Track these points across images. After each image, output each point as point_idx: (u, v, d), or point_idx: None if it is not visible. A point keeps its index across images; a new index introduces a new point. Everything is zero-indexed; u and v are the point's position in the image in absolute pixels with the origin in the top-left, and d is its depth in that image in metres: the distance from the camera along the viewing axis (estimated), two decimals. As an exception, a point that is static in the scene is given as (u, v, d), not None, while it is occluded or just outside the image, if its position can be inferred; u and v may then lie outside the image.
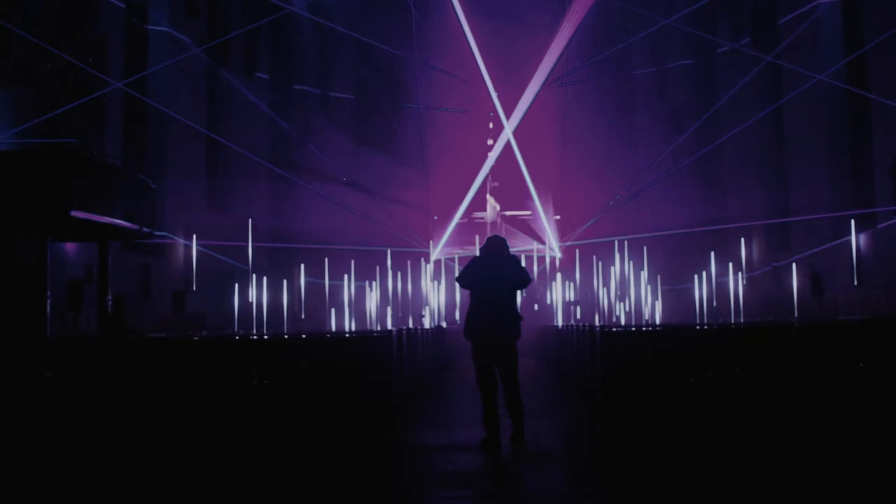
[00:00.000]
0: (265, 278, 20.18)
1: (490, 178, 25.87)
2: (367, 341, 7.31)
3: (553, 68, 23.78)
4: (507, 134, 24.85)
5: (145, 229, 15.28)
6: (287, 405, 6.24)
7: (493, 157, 25.66)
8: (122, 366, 7.06)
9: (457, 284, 7.27)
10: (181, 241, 19.77)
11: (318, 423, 6.17)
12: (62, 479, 5.35)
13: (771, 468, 5.18)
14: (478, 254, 7.01)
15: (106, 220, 13.84)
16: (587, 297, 24.39)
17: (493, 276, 6.77)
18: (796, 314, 18.99)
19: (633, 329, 8.90)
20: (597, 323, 18.71)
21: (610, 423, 7.16)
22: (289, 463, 5.86)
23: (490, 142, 25.91)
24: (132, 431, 5.95)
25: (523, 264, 7.19)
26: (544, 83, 24.01)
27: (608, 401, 7.31)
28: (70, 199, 12.34)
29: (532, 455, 6.37)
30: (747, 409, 5.50)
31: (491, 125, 26.07)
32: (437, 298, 24.59)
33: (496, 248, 6.90)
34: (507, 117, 24.87)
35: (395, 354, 7.46)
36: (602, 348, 7.54)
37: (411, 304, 24.81)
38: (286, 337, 8.09)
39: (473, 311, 6.83)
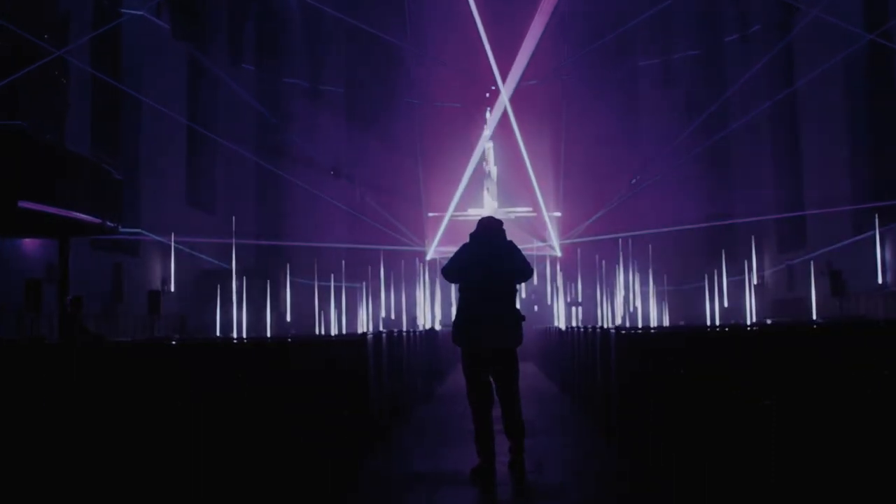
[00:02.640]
0: (244, 279, 18.96)
1: (485, 166, 24.67)
2: (335, 348, 6.09)
3: (543, 33, 22.54)
4: (504, 101, 23.54)
5: (109, 224, 14.06)
6: (236, 422, 5.02)
7: (489, 131, 24.39)
8: (77, 373, 5.95)
9: (451, 281, 5.90)
10: (157, 238, 18.53)
11: (270, 448, 4.95)
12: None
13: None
14: (469, 240, 5.69)
15: (63, 212, 12.63)
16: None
17: (488, 266, 5.49)
18: (814, 315, 17.84)
19: (658, 332, 7.66)
20: (607, 325, 17.53)
21: (630, 445, 5.96)
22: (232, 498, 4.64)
23: (487, 132, 24.67)
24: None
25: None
26: (536, 48, 22.77)
27: (627, 418, 6.12)
28: (18, 187, 11.18)
29: (535, 489, 5.14)
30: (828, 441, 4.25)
31: (489, 114, 24.86)
32: (433, 299, 23.45)
33: (491, 233, 5.63)
34: (503, 80, 23.63)
35: (371, 363, 6.23)
36: (618, 356, 6.34)
37: (405, 305, 23.66)
38: (244, 341, 6.90)
39: (464, 311, 5.55)
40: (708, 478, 4.53)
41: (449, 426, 7.86)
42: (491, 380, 5.62)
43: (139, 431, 4.90)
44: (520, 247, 5.83)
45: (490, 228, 5.64)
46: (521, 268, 5.59)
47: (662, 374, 5.92)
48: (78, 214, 12.46)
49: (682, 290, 22.85)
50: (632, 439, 5.92)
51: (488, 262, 5.51)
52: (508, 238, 5.77)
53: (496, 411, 5.57)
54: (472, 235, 5.68)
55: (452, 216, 24.58)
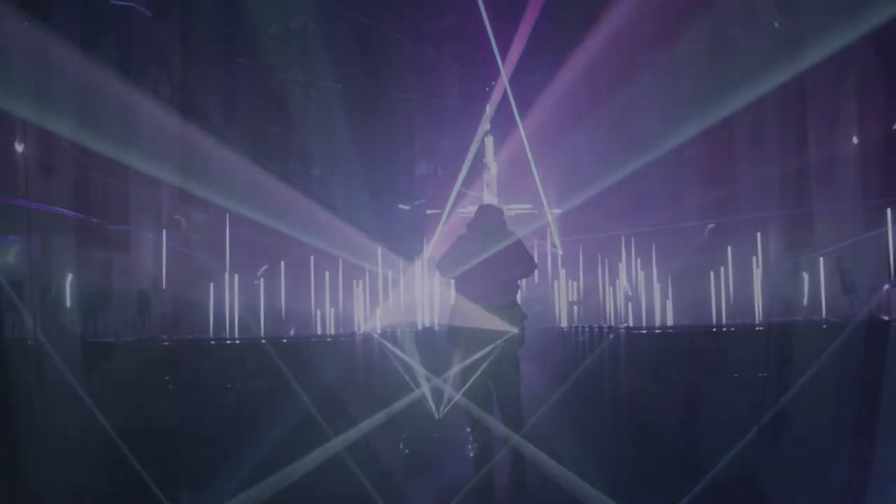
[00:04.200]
0: (236, 276, 18.50)
1: (484, 161, 24.29)
2: (318, 348, 5.63)
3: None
4: (507, 95, 23.06)
5: (94, 220, 13.60)
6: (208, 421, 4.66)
7: (488, 125, 23.94)
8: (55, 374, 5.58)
9: (446, 275, 5.36)
10: (148, 234, 18.07)
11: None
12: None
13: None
14: (466, 231, 5.18)
15: (43, 207, 12.20)
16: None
17: (487, 259, 4.97)
18: (824, 314, 17.42)
19: (669, 331, 7.21)
20: (613, 323, 17.05)
21: (641, 451, 5.51)
22: None
23: (486, 126, 24.29)
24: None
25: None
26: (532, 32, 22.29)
27: (638, 422, 5.68)
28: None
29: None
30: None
31: (488, 109, 24.44)
32: (431, 298, 23.02)
33: (490, 223, 5.12)
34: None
35: (359, 365, 5.76)
36: (627, 358, 5.87)
37: (403, 304, 23.24)
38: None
39: (459, 308, 5.06)
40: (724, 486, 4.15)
41: (443, 436, 7.37)
42: (490, 384, 5.12)
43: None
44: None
45: (490, 218, 5.13)
46: (523, 261, 5.09)
47: (675, 373, 5.49)
48: (60, 209, 12.11)
49: (687, 287, 22.42)
50: (643, 444, 5.49)
51: (487, 255, 5.00)
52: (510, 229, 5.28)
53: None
54: (469, 225, 5.17)
55: (451, 213, 24.19)
